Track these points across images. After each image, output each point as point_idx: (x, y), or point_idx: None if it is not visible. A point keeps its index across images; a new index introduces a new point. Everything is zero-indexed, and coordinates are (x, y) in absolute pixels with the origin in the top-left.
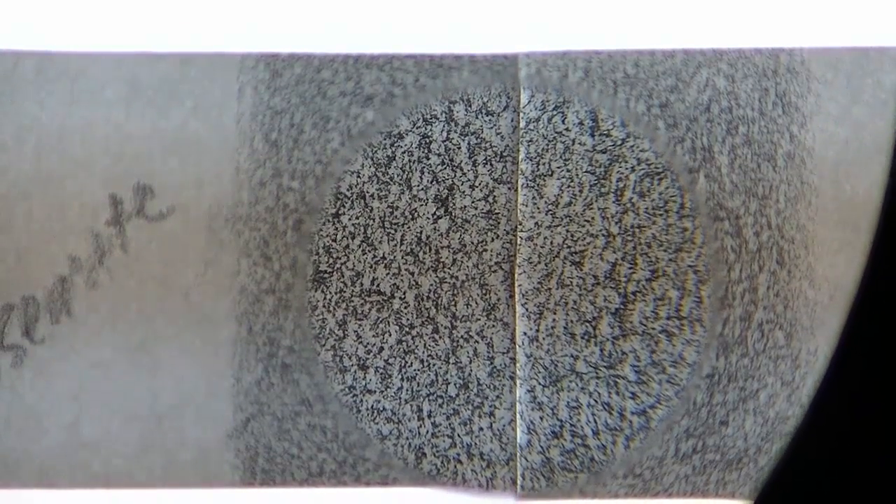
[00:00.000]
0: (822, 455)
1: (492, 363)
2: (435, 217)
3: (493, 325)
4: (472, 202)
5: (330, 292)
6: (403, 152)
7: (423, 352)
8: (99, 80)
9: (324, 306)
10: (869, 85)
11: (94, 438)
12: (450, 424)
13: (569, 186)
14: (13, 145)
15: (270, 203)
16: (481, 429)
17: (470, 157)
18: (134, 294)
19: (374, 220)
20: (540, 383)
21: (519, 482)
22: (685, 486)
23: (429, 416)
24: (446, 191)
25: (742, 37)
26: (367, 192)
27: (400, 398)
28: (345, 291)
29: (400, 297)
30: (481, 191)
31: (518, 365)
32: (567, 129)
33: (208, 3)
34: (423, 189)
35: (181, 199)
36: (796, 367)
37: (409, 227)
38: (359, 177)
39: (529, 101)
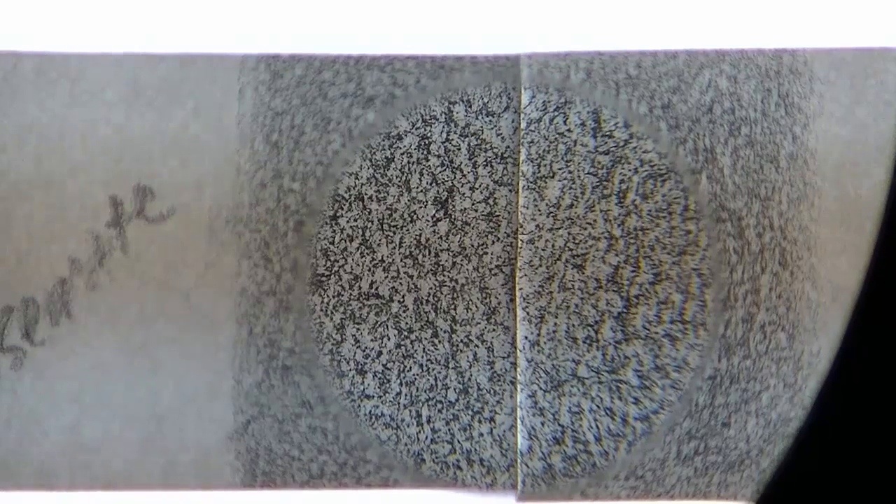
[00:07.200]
0: (823, 456)
1: (492, 368)
2: (434, 219)
3: (494, 329)
4: (473, 204)
5: (328, 296)
6: (402, 153)
7: (423, 356)
8: (99, 80)
9: (321, 310)
10: (872, 86)
11: (95, 440)
12: (449, 430)
13: (570, 188)
14: (13, 146)
15: (271, 205)
16: (481, 434)
17: (470, 159)
18: (134, 296)
19: (372, 222)
20: (541, 388)
21: (520, 488)
22: (687, 488)
23: (428, 422)
24: (446, 193)
25: (745, 37)
26: (366, 194)
27: (399, 403)
28: (343, 295)
29: (399, 301)
30: (481, 193)
31: (519, 369)
32: (569, 130)
33: (209, 3)
34: (422, 191)
35: (181, 201)
36: (798, 368)
37: (408, 230)
38: (357, 178)
39: (531, 102)
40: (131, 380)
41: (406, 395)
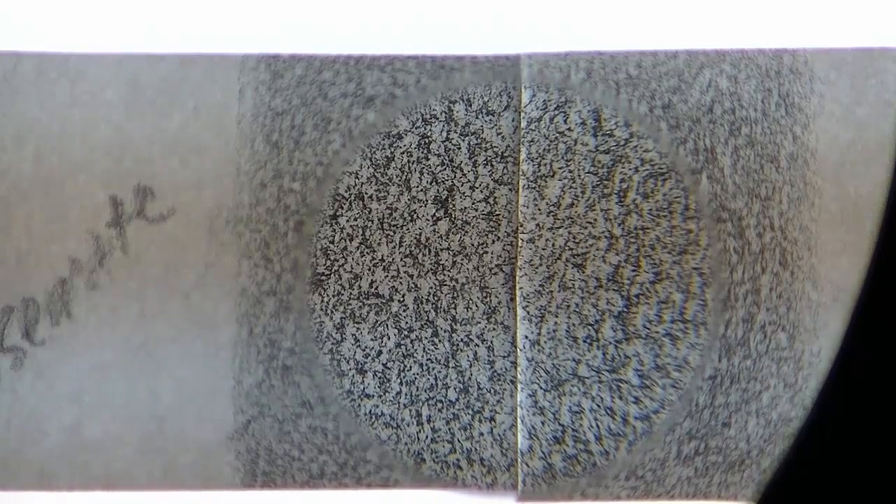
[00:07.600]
0: (823, 456)
1: (492, 367)
2: (434, 218)
3: (494, 329)
4: (473, 203)
5: (328, 295)
6: (402, 153)
7: (423, 355)
8: (99, 80)
9: (321, 309)
10: (872, 86)
11: (95, 440)
12: (449, 429)
13: (571, 187)
14: (13, 146)
15: (271, 204)
16: (482, 434)
17: (470, 158)
18: (134, 296)
19: (372, 221)
20: (541, 387)
21: (520, 488)
22: (687, 488)
23: (428, 421)
24: (446, 192)
25: (745, 37)
26: (366, 194)
27: (399, 403)
28: (343, 294)
29: (399, 300)
30: (482, 192)
31: (519, 369)
32: (569, 129)
33: (209, 3)
34: (422, 190)
35: (182, 201)
36: (799, 368)
37: (408, 229)
38: (357, 178)
39: (531, 101)
40: (131, 380)
41: (406, 394)
